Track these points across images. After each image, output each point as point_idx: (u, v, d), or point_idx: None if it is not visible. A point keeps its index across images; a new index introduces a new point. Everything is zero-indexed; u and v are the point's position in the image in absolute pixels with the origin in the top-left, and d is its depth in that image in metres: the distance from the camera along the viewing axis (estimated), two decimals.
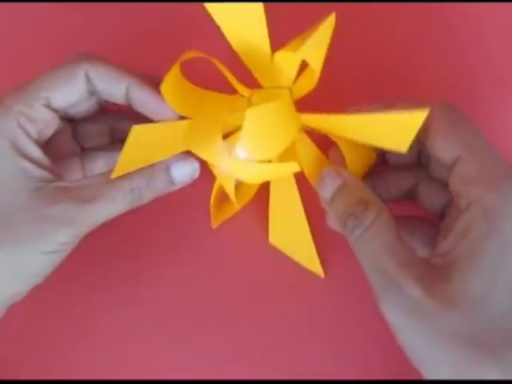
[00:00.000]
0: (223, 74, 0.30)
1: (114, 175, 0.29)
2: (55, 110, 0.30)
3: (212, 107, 0.31)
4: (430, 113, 0.27)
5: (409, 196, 0.33)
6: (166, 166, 0.30)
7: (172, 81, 0.29)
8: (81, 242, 0.30)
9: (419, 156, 0.32)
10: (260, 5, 0.28)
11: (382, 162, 0.33)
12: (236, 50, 0.29)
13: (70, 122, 0.33)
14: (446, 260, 0.26)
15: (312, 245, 0.34)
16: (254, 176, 0.31)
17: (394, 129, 0.28)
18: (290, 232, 0.34)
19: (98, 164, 0.33)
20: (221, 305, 0.36)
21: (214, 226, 0.34)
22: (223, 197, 0.34)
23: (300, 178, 0.33)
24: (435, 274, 0.25)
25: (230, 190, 0.31)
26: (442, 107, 0.28)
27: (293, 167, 0.30)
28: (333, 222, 0.32)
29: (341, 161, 0.31)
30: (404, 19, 0.40)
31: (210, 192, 0.33)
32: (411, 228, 0.32)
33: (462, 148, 0.27)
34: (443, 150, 0.28)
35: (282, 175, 0.32)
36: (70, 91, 0.30)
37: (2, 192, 0.28)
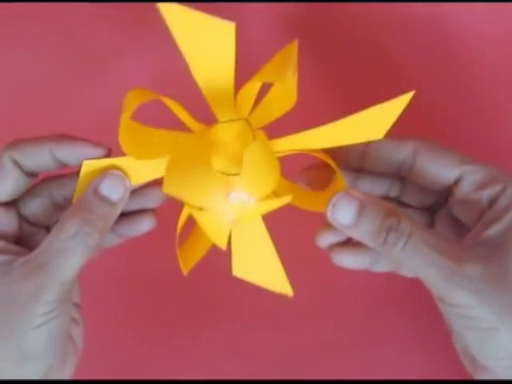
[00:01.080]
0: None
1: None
2: (5, 205, 0.31)
3: (184, 147, 0.30)
4: (414, 144, 0.30)
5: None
6: (94, 189, 0.29)
7: (126, 129, 0.28)
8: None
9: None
10: (232, 26, 0.25)
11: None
12: (196, 79, 0.27)
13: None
14: (486, 234, 0.28)
15: (281, 268, 0.32)
16: (254, 215, 0.30)
17: (371, 121, 0.28)
18: (256, 260, 0.32)
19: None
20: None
21: (186, 272, 0.32)
22: (183, 236, 0.32)
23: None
24: (485, 250, 0.27)
25: (223, 235, 0.30)
26: (426, 140, 0.30)
27: (286, 199, 0.29)
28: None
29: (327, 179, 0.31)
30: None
31: None
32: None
33: (463, 164, 0.29)
34: (444, 172, 0.30)
35: (275, 208, 0.31)
36: (5, 182, 0.30)
37: None
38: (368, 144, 0.30)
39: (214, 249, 0.33)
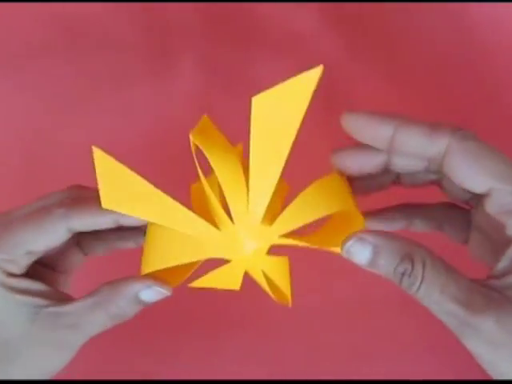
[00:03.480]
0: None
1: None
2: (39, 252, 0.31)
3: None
4: (447, 142, 0.27)
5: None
6: (134, 295, 0.30)
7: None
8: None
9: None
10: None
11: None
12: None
13: None
14: (503, 282, 0.27)
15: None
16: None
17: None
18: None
19: (97, 250, 0.34)
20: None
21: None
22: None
23: None
24: (499, 300, 0.27)
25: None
26: (461, 135, 0.28)
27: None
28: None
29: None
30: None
31: None
32: (440, 220, 0.33)
33: (493, 180, 0.27)
34: (471, 184, 0.28)
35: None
36: (51, 242, 0.30)
37: (2, 325, 0.30)
38: (398, 129, 0.28)
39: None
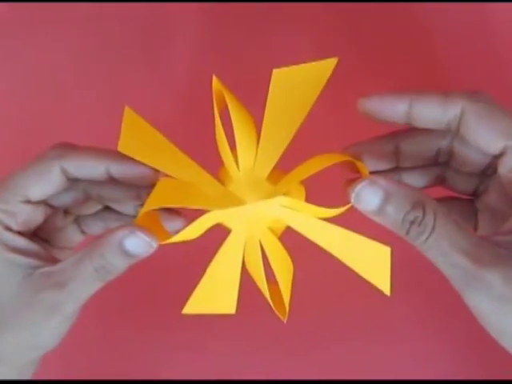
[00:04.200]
0: None
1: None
2: (36, 203, 0.31)
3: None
4: (462, 105, 0.28)
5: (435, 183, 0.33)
6: (118, 243, 0.29)
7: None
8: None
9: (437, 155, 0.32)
10: None
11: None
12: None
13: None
14: (505, 239, 0.27)
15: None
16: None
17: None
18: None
19: (94, 230, 0.34)
20: None
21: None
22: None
23: None
24: (508, 256, 0.26)
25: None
26: (475, 97, 0.28)
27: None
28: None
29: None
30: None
31: None
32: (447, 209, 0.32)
33: (507, 138, 0.27)
34: (486, 143, 0.28)
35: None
36: (47, 186, 0.30)
37: None
38: (413, 102, 0.29)
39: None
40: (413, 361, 0.39)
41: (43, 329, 0.29)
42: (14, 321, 0.29)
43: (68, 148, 0.31)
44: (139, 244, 0.28)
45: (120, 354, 0.36)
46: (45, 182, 0.30)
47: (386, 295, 0.28)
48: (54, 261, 0.30)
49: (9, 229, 0.30)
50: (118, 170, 0.30)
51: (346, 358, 0.37)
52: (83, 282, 0.29)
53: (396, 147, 0.31)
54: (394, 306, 0.39)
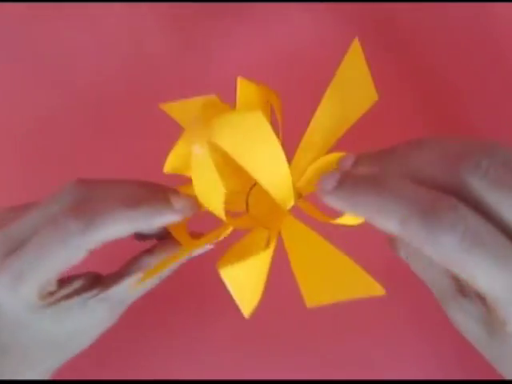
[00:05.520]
0: None
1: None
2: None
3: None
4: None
5: None
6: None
7: None
8: None
9: None
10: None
11: None
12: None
13: None
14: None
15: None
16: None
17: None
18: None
19: None
20: None
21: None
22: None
23: None
24: None
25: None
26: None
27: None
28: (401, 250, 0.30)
29: None
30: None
31: None
32: None
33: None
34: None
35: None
36: (73, 262, 0.29)
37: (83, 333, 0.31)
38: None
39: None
40: (413, 361, 0.39)
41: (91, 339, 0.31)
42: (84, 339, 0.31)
43: (89, 213, 0.28)
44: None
45: (120, 354, 0.36)
46: (72, 263, 0.29)
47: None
48: (96, 281, 0.31)
49: (51, 293, 0.29)
50: (147, 227, 0.29)
51: (346, 357, 0.37)
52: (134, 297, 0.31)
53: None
54: (394, 306, 0.39)
